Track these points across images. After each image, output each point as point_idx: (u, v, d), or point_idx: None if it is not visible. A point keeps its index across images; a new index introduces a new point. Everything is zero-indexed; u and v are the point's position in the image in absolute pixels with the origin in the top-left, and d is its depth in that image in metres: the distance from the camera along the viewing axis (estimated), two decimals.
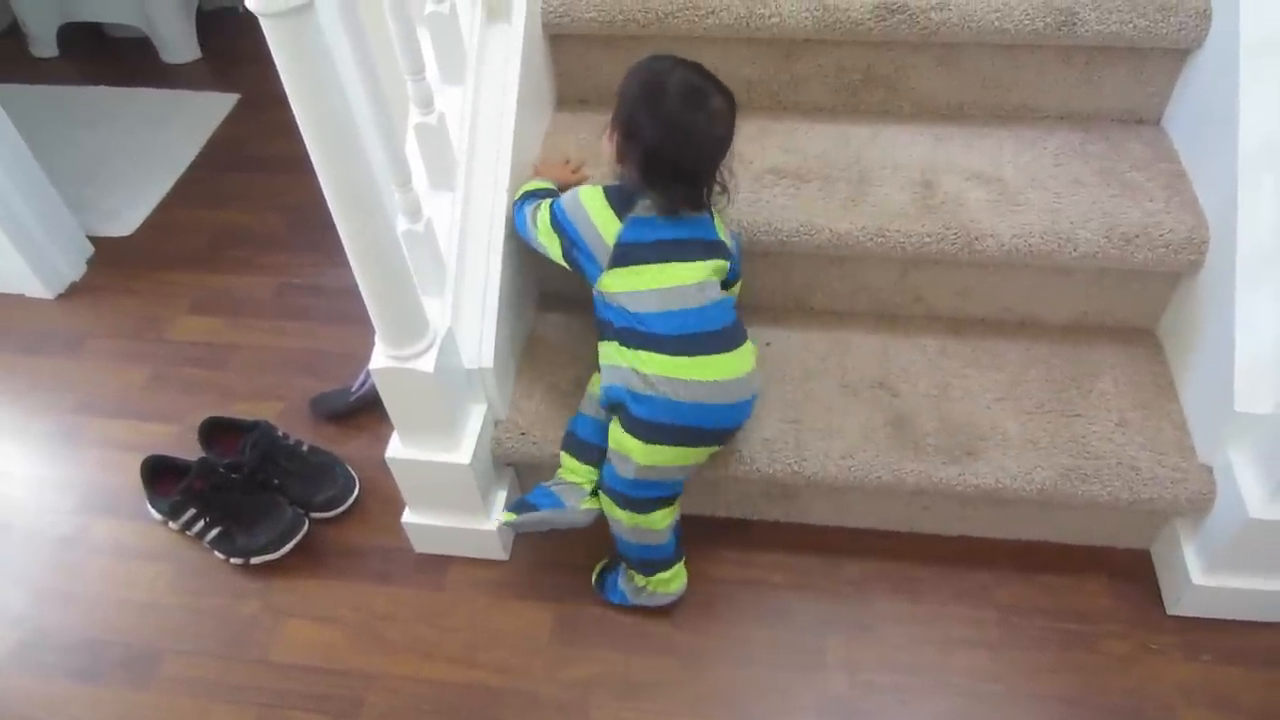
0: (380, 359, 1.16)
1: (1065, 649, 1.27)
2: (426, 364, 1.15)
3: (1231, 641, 1.27)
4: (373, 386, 1.54)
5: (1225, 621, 1.28)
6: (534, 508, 1.24)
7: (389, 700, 1.28)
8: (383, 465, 1.34)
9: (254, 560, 1.41)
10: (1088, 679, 1.25)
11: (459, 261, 1.27)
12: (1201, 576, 1.24)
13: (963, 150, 1.40)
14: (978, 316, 1.41)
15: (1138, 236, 1.26)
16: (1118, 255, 1.27)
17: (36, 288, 1.87)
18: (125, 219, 2.04)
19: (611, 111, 1.17)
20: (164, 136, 2.26)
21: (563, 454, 1.28)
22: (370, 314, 1.13)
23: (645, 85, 1.13)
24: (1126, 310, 1.38)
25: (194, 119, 2.31)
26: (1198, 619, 1.29)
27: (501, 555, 1.40)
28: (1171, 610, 1.30)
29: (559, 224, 1.20)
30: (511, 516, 1.25)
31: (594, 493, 1.26)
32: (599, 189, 1.19)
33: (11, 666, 1.34)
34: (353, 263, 1.06)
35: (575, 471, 1.26)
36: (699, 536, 1.39)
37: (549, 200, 1.24)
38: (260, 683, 1.30)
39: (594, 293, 1.20)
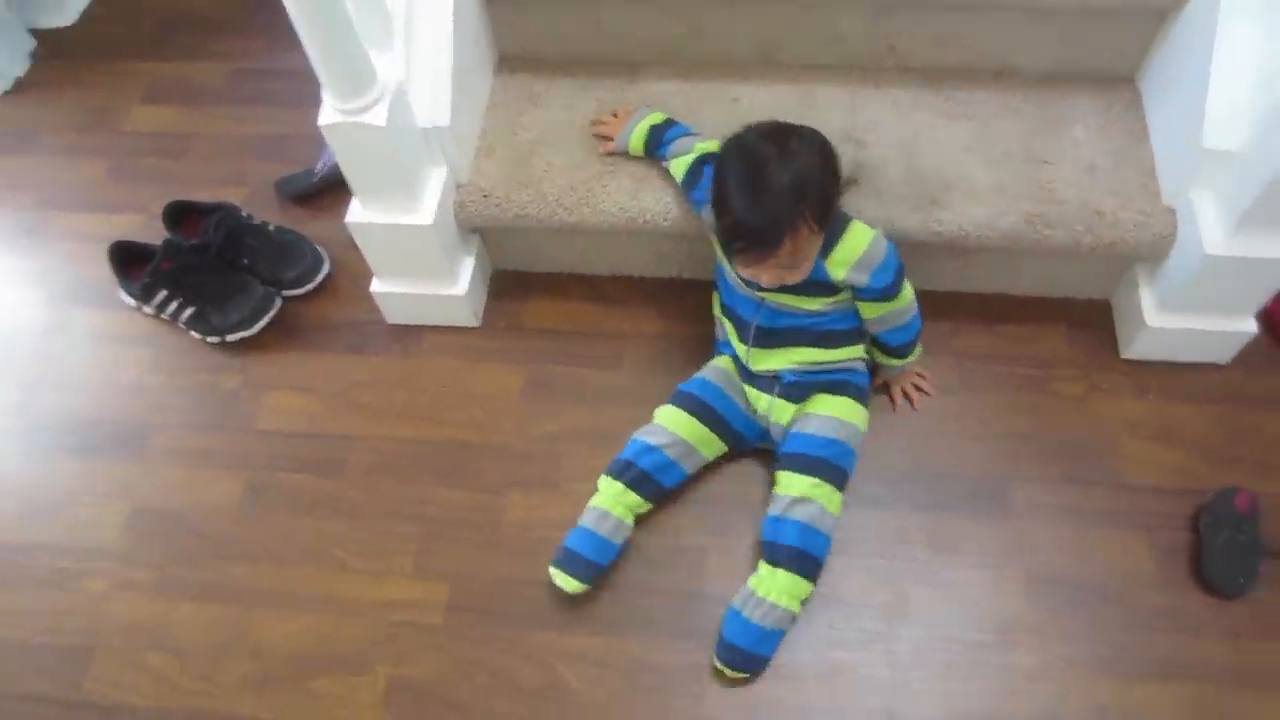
0: (329, 113, 1.13)
1: (1020, 391, 1.32)
2: (377, 117, 1.12)
3: (1177, 381, 1.32)
4: (335, 166, 1.52)
5: (1173, 364, 1.33)
6: (587, 560, 1.17)
7: (370, 459, 1.34)
8: (351, 243, 1.34)
9: (230, 338, 1.44)
10: (1039, 418, 1.30)
11: (407, 16, 1.21)
12: (1155, 318, 1.27)
13: None
14: (952, 67, 1.36)
15: None
16: None
17: None
18: (65, 8, 1.93)
19: (816, 216, 1.05)
20: None
21: (605, 479, 1.22)
22: (313, 65, 1.08)
23: (826, 150, 1.08)
24: (1107, 56, 1.33)
25: None
26: (1148, 362, 1.33)
27: (473, 321, 1.42)
28: (1125, 354, 1.34)
29: None
30: (570, 582, 1.17)
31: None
32: None
33: (9, 449, 1.39)
34: (289, 8, 1.01)
35: (621, 501, 1.21)
36: (660, 295, 1.43)
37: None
38: (247, 449, 1.36)
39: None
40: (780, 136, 1.06)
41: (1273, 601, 1.16)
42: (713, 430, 1.23)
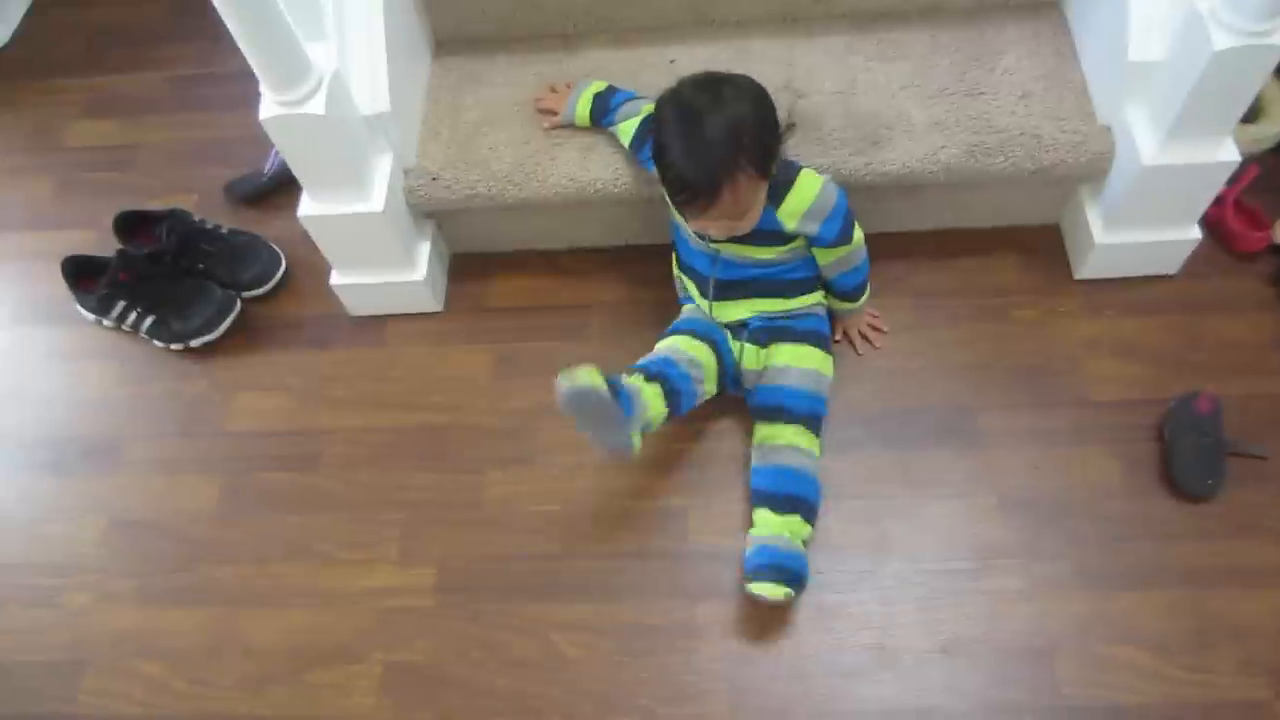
0: (269, 107, 1.13)
1: (978, 322, 1.34)
2: (317, 106, 1.12)
3: (1130, 296, 1.35)
4: (284, 165, 1.51)
5: (1125, 280, 1.35)
6: (618, 396, 1.07)
7: (347, 449, 1.34)
8: (306, 240, 1.34)
9: (193, 343, 1.43)
10: (1000, 345, 1.32)
11: (337, 3, 1.20)
12: (1103, 235, 1.29)
13: None
14: (880, 10, 1.37)
15: None
16: None
17: None
18: None
19: (755, 164, 1.05)
20: None
21: (647, 384, 1.14)
22: (247, 58, 1.08)
23: (761, 96, 1.08)
24: None
25: None
26: (1101, 280, 1.36)
27: (435, 306, 1.43)
28: (1078, 274, 1.36)
29: None
30: (596, 378, 1.05)
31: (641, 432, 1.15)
32: None
33: None
34: (217, 2, 1.00)
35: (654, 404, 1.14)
36: (619, 263, 1.44)
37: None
38: (222, 452, 1.36)
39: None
40: (713, 86, 1.06)
41: (1240, 499, 1.19)
42: (709, 347, 1.21)
